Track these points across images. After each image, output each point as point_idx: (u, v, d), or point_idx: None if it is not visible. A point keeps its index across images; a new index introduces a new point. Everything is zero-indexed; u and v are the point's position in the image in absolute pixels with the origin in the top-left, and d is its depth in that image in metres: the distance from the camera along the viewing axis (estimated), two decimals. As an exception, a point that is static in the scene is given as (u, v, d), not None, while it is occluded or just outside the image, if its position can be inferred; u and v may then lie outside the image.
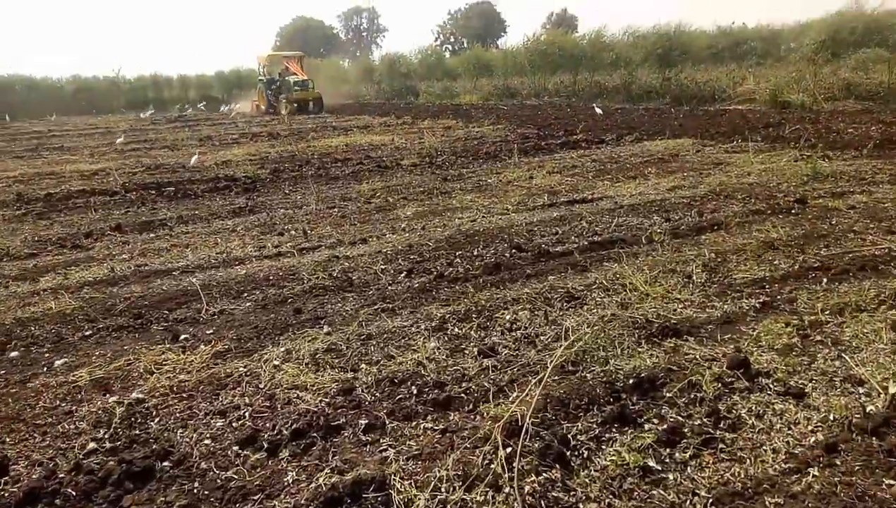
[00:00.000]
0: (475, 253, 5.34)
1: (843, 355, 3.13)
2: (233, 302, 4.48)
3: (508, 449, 2.41)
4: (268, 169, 10.70)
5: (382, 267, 5.08)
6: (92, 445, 2.71)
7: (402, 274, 4.87)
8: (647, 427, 2.64)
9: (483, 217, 6.58)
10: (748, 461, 2.38)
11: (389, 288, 4.60)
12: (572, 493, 2.27)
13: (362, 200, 7.84)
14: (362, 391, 3.07)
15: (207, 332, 3.92)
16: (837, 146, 9.47)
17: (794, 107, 15.93)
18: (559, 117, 17.76)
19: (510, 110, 21.51)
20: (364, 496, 2.28)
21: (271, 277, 4.92)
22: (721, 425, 2.62)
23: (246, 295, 4.61)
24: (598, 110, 18.00)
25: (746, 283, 4.21)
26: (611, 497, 2.24)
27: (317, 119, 22.25)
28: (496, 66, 32.23)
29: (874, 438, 2.45)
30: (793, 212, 6.00)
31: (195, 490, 2.40)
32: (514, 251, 5.28)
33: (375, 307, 4.17)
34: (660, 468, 2.38)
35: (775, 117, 13.96)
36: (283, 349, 3.57)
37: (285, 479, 2.43)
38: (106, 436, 2.79)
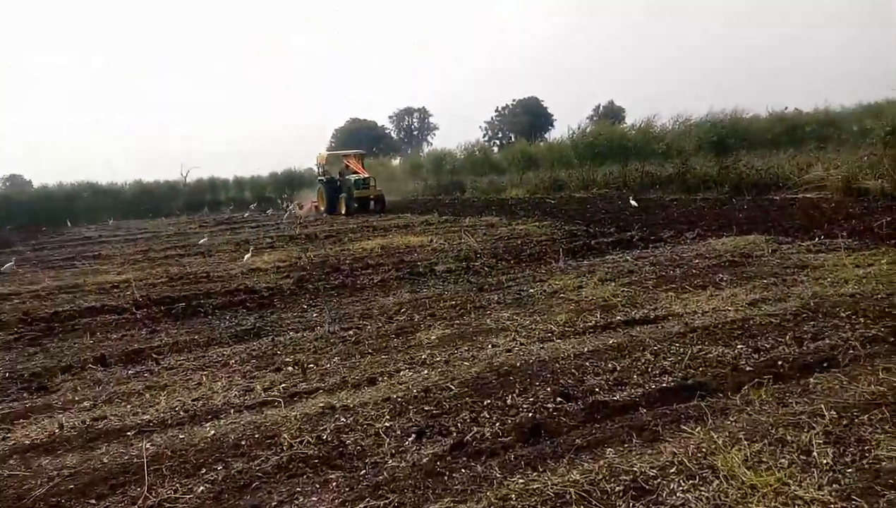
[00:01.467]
0: (508, 401, 4.15)
1: None
2: (183, 484, 3.39)
3: None
4: (293, 277, 9.90)
5: (388, 423, 3.94)
6: None
7: (411, 438, 3.70)
8: None
9: (521, 345, 5.41)
10: None
11: (389, 462, 3.43)
12: None
13: (384, 319, 6.80)
14: None
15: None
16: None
17: (872, 195, 14.44)
18: (609, 211, 16.70)
19: (557, 204, 20.61)
20: None
21: (244, 442, 3.83)
22: None
23: (204, 471, 3.52)
24: (633, 203, 16.93)
25: (901, 471, 2.87)
26: None
27: (358, 218, 21.84)
28: (542, 159, 31.76)
29: None
30: (925, 339, 4.61)
31: None
32: (559, 401, 4.07)
33: (361, 505, 2.99)
34: None
35: (855, 207, 12.51)
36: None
37: None
38: None
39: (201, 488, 3.32)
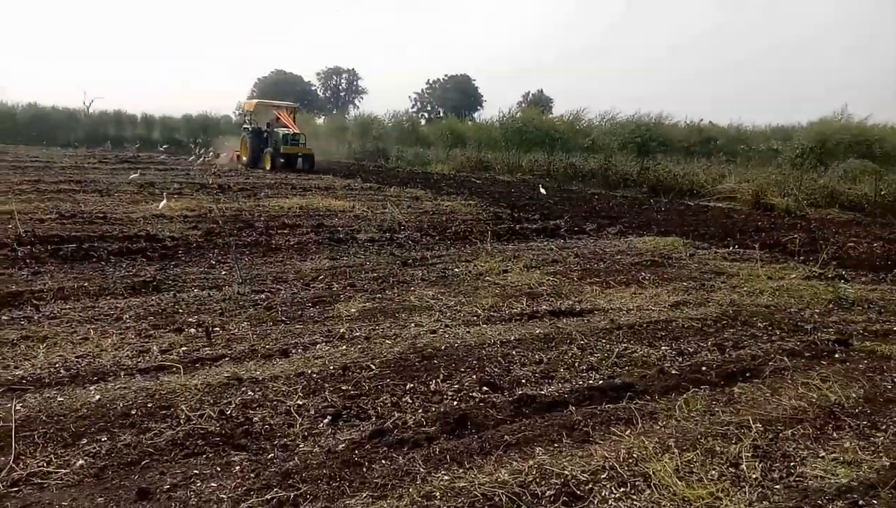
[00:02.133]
0: (432, 387, 3.90)
1: None
2: (59, 455, 2.92)
3: None
4: (201, 229, 9.19)
5: (300, 401, 3.59)
6: None
7: (326, 420, 3.39)
8: None
9: (447, 326, 5.17)
10: None
11: (301, 446, 3.11)
12: None
13: (300, 285, 6.37)
14: None
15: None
16: (848, 263, 8.48)
17: (777, 211, 15.28)
18: (533, 197, 16.77)
19: (482, 185, 20.52)
20: None
21: (134, 411, 3.37)
22: None
23: (85, 442, 3.05)
24: (543, 191, 17.09)
25: (827, 493, 2.85)
26: None
27: (277, 175, 20.84)
28: (470, 137, 31.64)
29: None
30: (836, 356, 4.76)
31: None
32: (485, 390, 3.86)
33: (269, 495, 2.66)
34: None
35: (764, 221, 13.15)
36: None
37: None
38: None
39: (80, 462, 2.87)
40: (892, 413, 3.77)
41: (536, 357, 4.51)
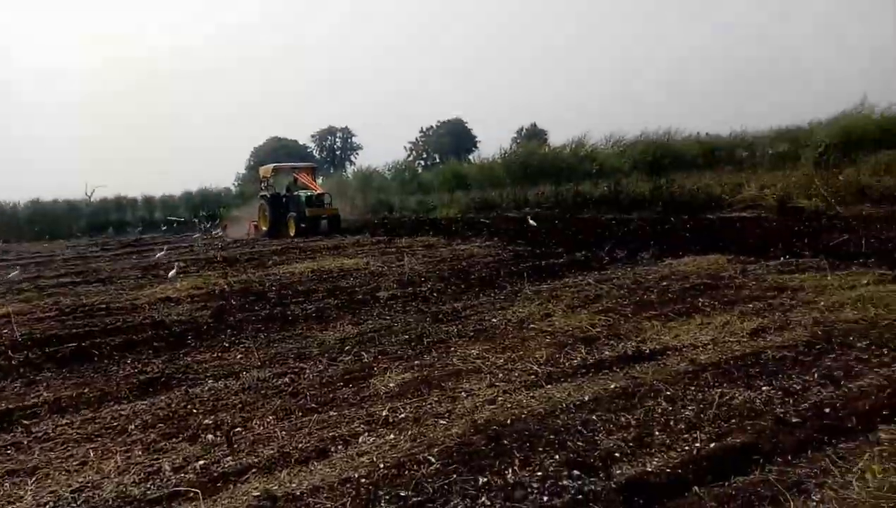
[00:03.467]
0: (510, 477, 3.14)
1: None
2: None
3: None
4: (211, 308, 8.54)
5: (352, 521, 2.84)
6: None
7: (389, 547, 2.63)
8: None
9: (505, 392, 4.42)
10: None
11: (365, 594, 2.34)
12: None
13: (326, 359, 5.65)
14: None
15: None
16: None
17: (807, 212, 14.54)
18: (549, 231, 16.10)
19: (492, 224, 19.88)
20: None
21: (143, 564, 2.63)
22: None
23: None
24: (532, 222, 16.45)
25: None
26: None
27: (282, 239, 20.30)
28: (472, 178, 31.27)
29: None
30: (976, 374, 3.98)
31: None
32: (576, 474, 3.10)
33: None
34: None
35: (799, 225, 12.39)
36: None
37: None
38: None
39: None
40: None
41: (622, 420, 3.75)
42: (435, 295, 8.42)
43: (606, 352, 5.16)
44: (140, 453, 3.82)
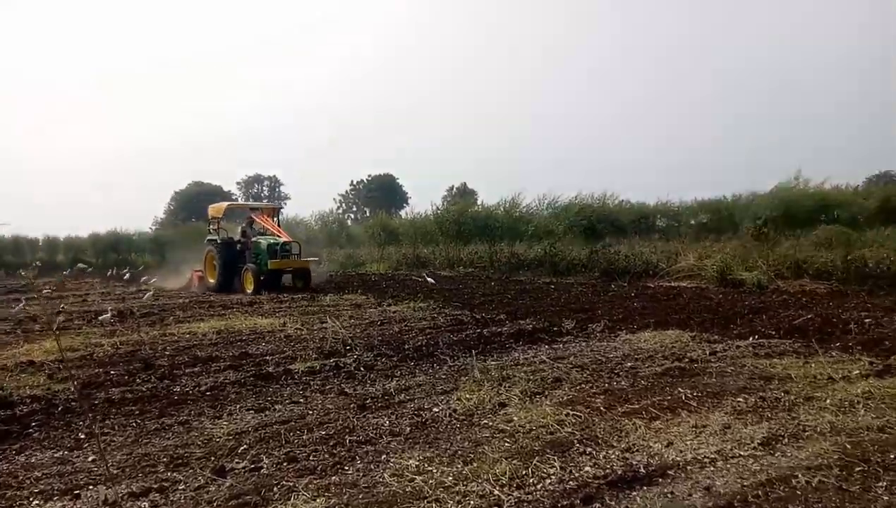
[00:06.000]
0: None
1: None
2: None
3: None
4: (78, 380, 6.79)
5: None
6: None
7: None
8: None
9: (460, 539, 3.09)
10: None
11: None
12: None
13: (209, 470, 4.14)
14: None
15: None
16: (886, 348, 7.02)
17: (747, 286, 14.18)
18: (487, 293, 15.04)
19: (425, 282, 18.68)
20: None
21: None
22: None
23: None
24: (430, 280, 15.46)
25: None
26: None
27: (191, 293, 18.29)
28: (404, 233, 30.17)
29: None
30: None
31: None
32: None
33: None
34: None
35: (748, 299, 11.86)
36: None
37: None
38: None
39: None
40: None
41: None
42: (362, 369, 7.04)
43: (588, 468, 3.93)
44: None
